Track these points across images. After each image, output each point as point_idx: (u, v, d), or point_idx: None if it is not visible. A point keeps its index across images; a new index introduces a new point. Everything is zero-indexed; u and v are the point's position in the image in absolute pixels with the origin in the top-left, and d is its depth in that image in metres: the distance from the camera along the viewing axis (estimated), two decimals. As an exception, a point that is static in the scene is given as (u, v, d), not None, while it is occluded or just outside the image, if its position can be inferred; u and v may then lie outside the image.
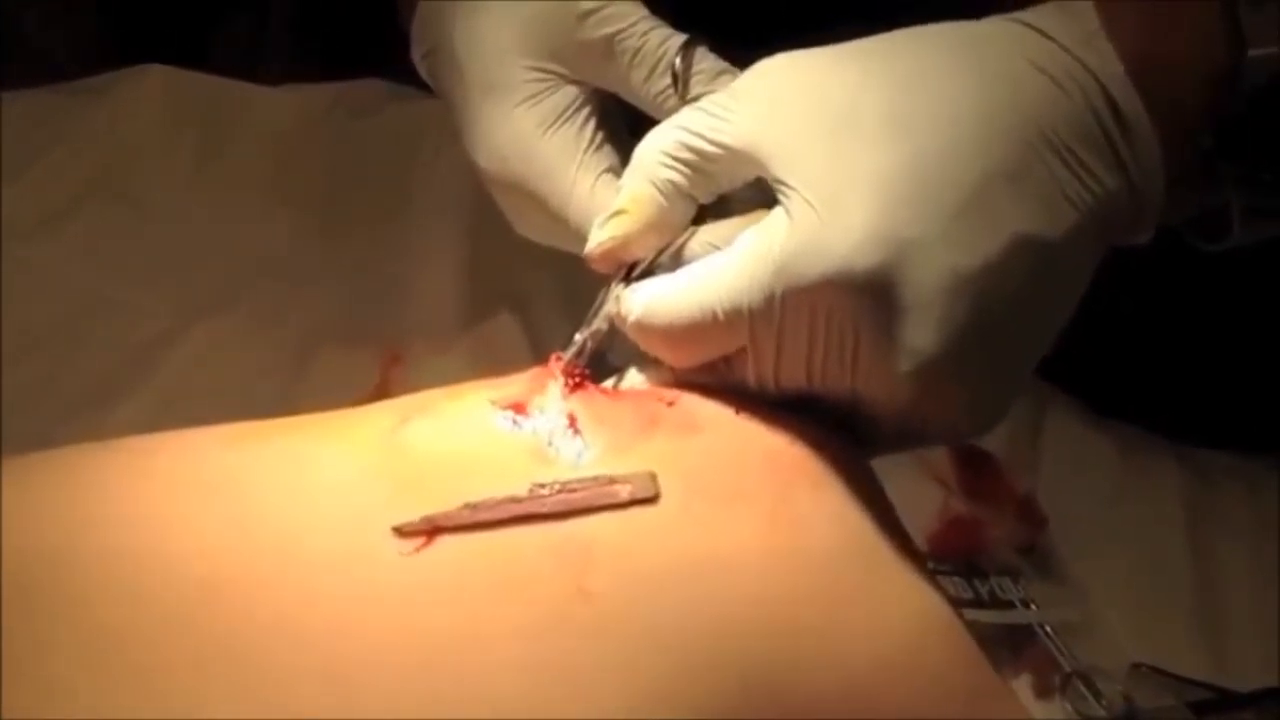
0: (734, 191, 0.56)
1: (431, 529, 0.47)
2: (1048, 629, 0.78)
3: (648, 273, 0.56)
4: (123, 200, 0.95)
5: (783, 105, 0.52)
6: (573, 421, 0.52)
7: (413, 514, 0.47)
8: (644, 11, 0.63)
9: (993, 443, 0.87)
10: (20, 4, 1.06)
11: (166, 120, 0.99)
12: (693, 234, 0.57)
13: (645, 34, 0.62)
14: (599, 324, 0.56)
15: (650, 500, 0.49)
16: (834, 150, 0.50)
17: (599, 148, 0.63)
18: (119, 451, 0.52)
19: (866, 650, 0.49)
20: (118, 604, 0.45)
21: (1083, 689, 0.75)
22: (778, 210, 0.51)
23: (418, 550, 0.47)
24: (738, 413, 0.54)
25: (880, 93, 0.51)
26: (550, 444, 0.51)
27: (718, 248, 0.54)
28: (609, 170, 0.63)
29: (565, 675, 0.45)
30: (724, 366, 0.55)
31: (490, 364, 0.83)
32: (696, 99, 0.58)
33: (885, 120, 0.50)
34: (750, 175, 0.53)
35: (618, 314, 0.56)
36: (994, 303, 0.50)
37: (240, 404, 0.63)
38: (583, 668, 0.46)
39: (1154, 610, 0.83)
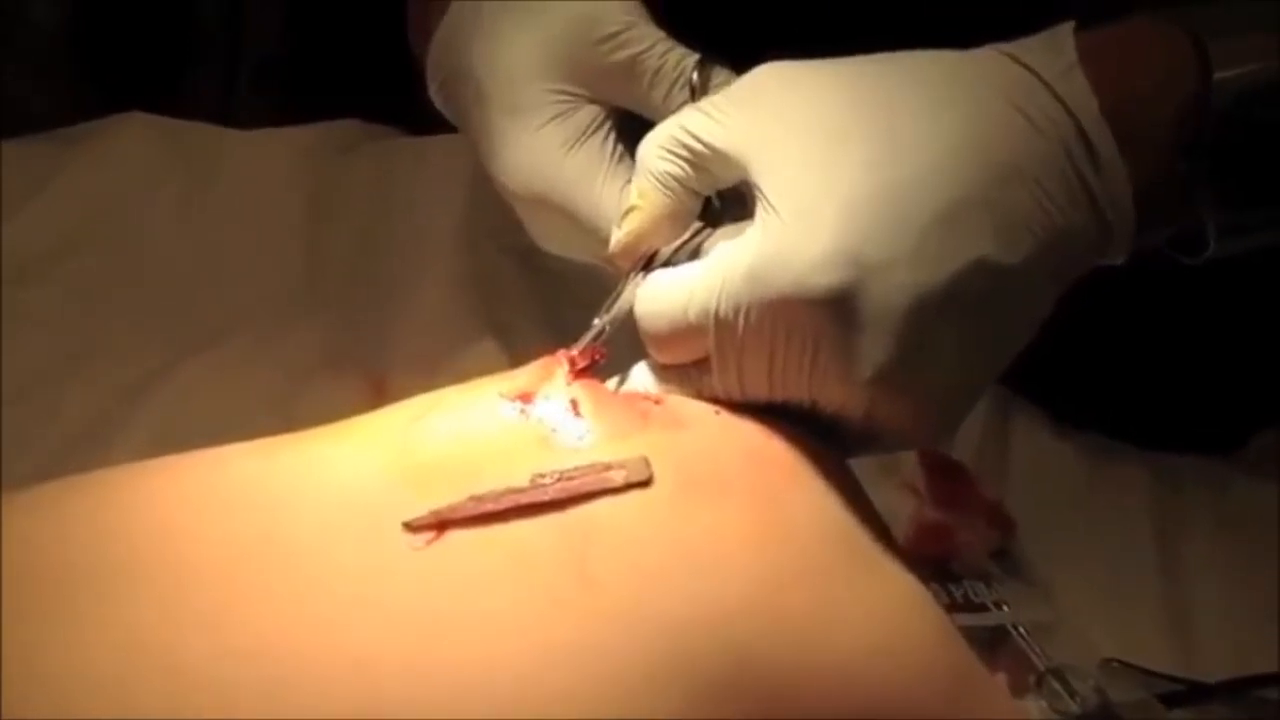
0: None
1: (439, 523, 0.49)
2: (1021, 629, 0.79)
3: (668, 265, 0.59)
4: (109, 245, 0.96)
5: (770, 116, 0.54)
6: (575, 407, 0.54)
7: (421, 509, 0.49)
8: (661, 33, 0.65)
9: (962, 452, 0.90)
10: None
11: (149, 166, 1.00)
12: (709, 234, 0.59)
13: (664, 55, 0.64)
14: (617, 311, 0.59)
15: (644, 484, 0.51)
16: (810, 167, 0.53)
17: (620, 160, 0.65)
18: (146, 471, 0.54)
19: (853, 632, 0.51)
20: (145, 611, 0.46)
21: (1057, 686, 0.76)
22: (755, 221, 0.54)
23: (428, 545, 0.49)
24: (717, 413, 0.56)
25: (863, 115, 0.53)
26: (555, 430, 0.53)
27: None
28: (631, 181, 0.64)
29: (566, 659, 0.47)
30: (695, 372, 0.57)
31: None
32: None
33: (863, 144, 0.52)
34: (739, 177, 0.56)
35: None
36: (950, 323, 0.52)
37: (231, 438, 0.64)
38: (583, 652, 0.47)
39: (1122, 608, 0.84)
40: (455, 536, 0.49)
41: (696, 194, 0.58)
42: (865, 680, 0.51)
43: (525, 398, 0.55)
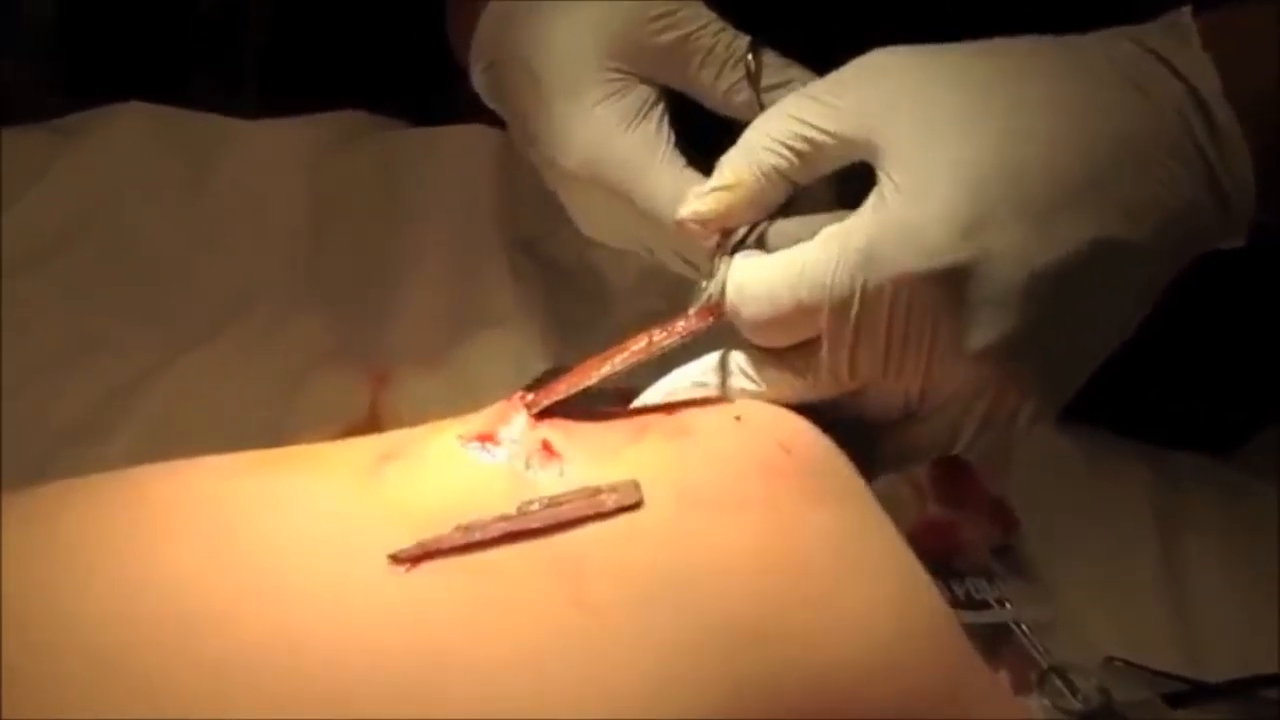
0: (802, 192, 0.59)
1: (425, 553, 0.48)
2: (1023, 627, 0.79)
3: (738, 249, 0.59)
4: (108, 236, 0.96)
5: (889, 96, 0.55)
6: (547, 446, 0.54)
7: (405, 541, 0.48)
8: (712, 14, 0.65)
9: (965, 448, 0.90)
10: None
11: (149, 156, 0.99)
12: (771, 224, 0.59)
13: (716, 35, 0.65)
14: (714, 288, 0.58)
15: (635, 507, 0.51)
16: (931, 144, 0.53)
17: (673, 144, 0.66)
18: (112, 484, 0.53)
19: (854, 648, 0.51)
20: (113, 633, 0.46)
21: (1059, 684, 0.76)
22: (870, 198, 0.54)
23: (412, 573, 0.48)
24: (737, 419, 0.56)
25: (982, 94, 0.54)
26: (527, 467, 0.53)
27: (801, 237, 0.57)
28: (687, 163, 0.65)
29: (561, 679, 0.47)
30: (792, 356, 0.57)
31: (475, 381, 0.85)
32: (771, 88, 0.62)
33: (983, 121, 0.53)
34: (853, 158, 0.56)
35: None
36: (1068, 301, 0.53)
37: (231, 431, 0.64)
38: (578, 671, 0.47)
39: (1125, 606, 0.84)
40: (437, 567, 0.48)
41: (793, 185, 0.58)
42: (869, 695, 0.51)
43: (485, 438, 0.54)
